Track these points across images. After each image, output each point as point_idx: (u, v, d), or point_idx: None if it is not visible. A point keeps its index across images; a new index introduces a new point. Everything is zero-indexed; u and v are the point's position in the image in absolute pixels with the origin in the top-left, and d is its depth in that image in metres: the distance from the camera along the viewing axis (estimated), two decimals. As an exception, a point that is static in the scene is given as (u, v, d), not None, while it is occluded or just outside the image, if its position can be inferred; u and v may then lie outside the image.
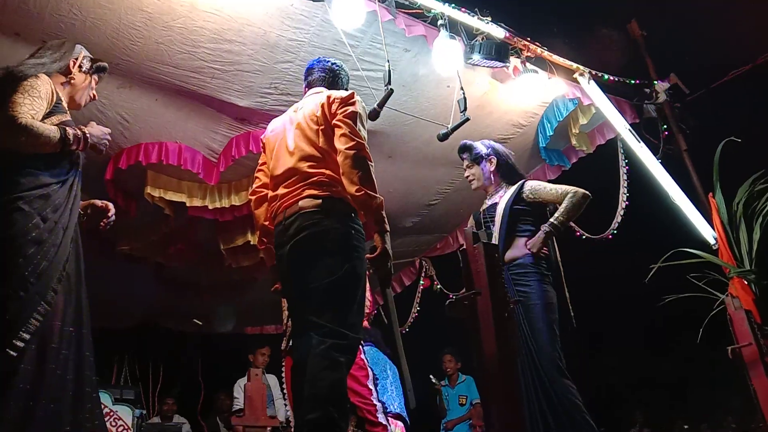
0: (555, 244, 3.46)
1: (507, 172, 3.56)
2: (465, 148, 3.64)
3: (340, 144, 2.40)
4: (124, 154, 4.03)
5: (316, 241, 2.35)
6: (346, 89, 2.78)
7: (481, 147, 3.61)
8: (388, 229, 2.36)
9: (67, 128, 2.34)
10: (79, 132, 2.39)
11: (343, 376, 2.23)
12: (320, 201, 2.38)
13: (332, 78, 2.77)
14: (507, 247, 3.36)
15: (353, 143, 2.37)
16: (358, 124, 2.45)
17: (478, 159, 3.59)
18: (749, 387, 3.47)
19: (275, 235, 2.52)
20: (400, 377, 2.51)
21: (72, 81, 2.56)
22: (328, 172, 2.44)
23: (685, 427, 7.96)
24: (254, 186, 2.70)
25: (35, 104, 2.30)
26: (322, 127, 2.48)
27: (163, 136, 4.07)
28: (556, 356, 3.11)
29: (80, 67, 2.58)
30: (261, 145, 2.78)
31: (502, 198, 3.47)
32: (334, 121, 2.46)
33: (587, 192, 3.30)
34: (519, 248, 3.35)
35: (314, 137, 2.49)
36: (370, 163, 2.37)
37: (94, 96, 2.70)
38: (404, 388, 2.56)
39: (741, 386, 3.55)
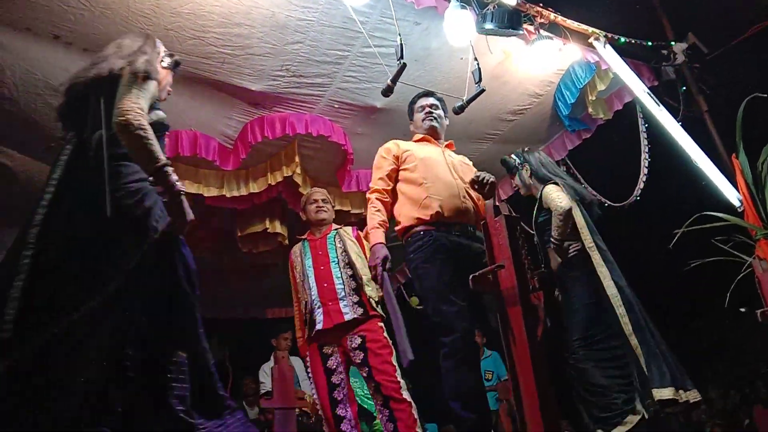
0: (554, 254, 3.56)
1: (540, 176, 3.70)
2: (503, 163, 3.95)
3: None
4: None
5: None
6: (411, 119, 3.50)
7: (511, 158, 3.88)
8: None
9: (170, 169, 2.09)
10: (177, 182, 2.11)
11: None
12: None
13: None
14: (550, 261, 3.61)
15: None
16: (374, 172, 3.29)
17: (513, 170, 3.85)
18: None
19: None
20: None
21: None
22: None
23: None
24: None
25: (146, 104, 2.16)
26: None
27: (177, 125, 4.06)
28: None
29: (161, 62, 2.52)
30: None
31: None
32: None
33: (563, 209, 3.40)
34: (554, 259, 3.55)
35: None
36: (370, 204, 3.20)
37: (170, 91, 2.61)
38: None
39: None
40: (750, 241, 3.85)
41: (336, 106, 4.18)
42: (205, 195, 4.40)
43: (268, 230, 4.91)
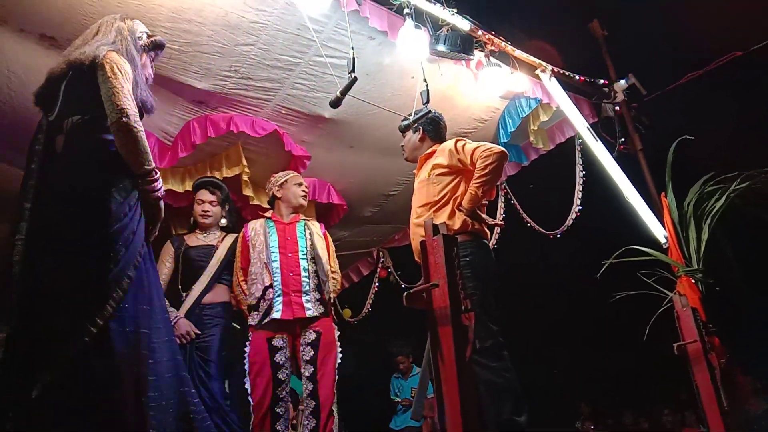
0: None
1: None
2: None
3: None
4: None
5: None
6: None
7: None
8: None
9: (158, 173, 2.31)
10: (161, 188, 2.36)
11: None
12: None
13: None
14: None
15: None
16: None
17: None
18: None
19: None
20: None
21: None
22: None
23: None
24: None
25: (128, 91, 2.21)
26: None
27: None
28: None
29: (140, 42, 2.41)
30: None
31: None
32: None
33: None
34: None
35: None
36: None
37: (150, 75, 2.54)
38: None
39: (684, 382, 3.65)
40: (672, 277, 4.02)
41: (283, 111, 4.12)
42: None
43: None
